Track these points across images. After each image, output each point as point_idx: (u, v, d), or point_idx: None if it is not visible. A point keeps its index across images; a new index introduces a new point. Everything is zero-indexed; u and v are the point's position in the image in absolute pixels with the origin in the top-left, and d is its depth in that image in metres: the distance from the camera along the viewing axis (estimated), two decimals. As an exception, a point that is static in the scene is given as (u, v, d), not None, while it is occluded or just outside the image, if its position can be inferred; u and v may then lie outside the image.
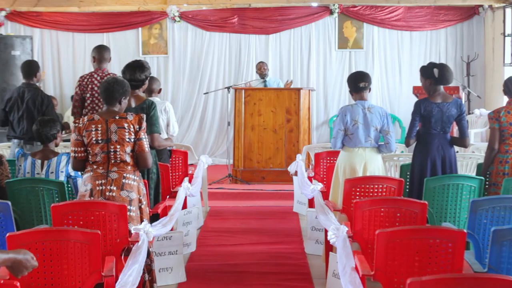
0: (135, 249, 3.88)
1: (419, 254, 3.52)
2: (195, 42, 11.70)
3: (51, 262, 3.48)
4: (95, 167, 4.38)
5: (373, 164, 5.49)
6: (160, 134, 5.32)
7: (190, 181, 6.36)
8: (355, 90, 5.54)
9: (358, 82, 5.51)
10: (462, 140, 5.64)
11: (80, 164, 4.45)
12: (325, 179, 6.54)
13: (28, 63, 6.83)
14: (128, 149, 4.41)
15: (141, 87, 5.36)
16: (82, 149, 4.40)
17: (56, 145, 5.29)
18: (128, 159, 4.42)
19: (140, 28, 11.62)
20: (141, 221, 4.34)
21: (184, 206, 5.96)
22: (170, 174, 6.33)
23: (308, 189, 5.98)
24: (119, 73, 5.52)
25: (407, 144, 5.70)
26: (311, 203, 6.25)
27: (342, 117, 5.49)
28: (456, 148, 5.94)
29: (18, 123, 6.60)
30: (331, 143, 5.68)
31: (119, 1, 10.62)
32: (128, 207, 4.33)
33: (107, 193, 4.31)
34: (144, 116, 4.51)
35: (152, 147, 5.06)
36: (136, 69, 5.26)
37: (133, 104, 5.23)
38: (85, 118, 4.43)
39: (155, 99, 6.69)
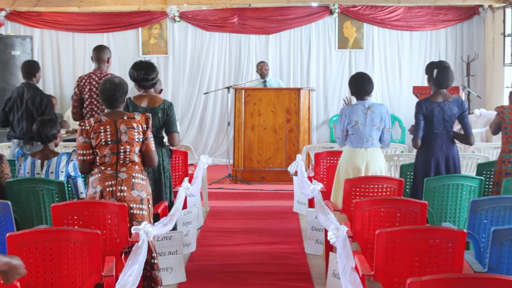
0: (135, 249, 3.89)
1: (419, 254, 3.52)
2: (195, 42, 11.69)
3: (51, 262, 3.48)
4: (103, 168, 4.37)
5: (375, 164, 5.47)
6: (179, 133, 5.41)
7: (190, 181, 6.36)
8: (358, 94, 5.55)
9: (362, 89, 5.52)
10: (466, 138, 5.61)
11: (88, 167, 4.43)
12: (325, 179, 6.54)
13: (29, 63, 6.85)
14: (137, 149, 4.42)
15: (154, 86, 5.39)
16: (91, 151, 4.38)
17: (56, 145, 5.29)
18: (136, 159, 4.43)
19: (140, 28, 11.61)
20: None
21: (184, 206, 5.96)
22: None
23: (308, 189, 5.98)
24: (118, 73, 5.52)
25: (415, 146, 5.58)
26: (311, 203, 6.25)
27: (341, 119, 5.51)
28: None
29: (18, 123, 6.60)
30: (338, 143, 5.70)
31: (119, 1, 10.61)
32: (140, 206, 4.37)
33: (118, 194, 4.32)
34: (150, 116, 4.52)
35: (172, 145, 5.35)
36: (147, 69, 5.26)
37: (151, 105, 5.26)
38: (92, 120, 4.40)
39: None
